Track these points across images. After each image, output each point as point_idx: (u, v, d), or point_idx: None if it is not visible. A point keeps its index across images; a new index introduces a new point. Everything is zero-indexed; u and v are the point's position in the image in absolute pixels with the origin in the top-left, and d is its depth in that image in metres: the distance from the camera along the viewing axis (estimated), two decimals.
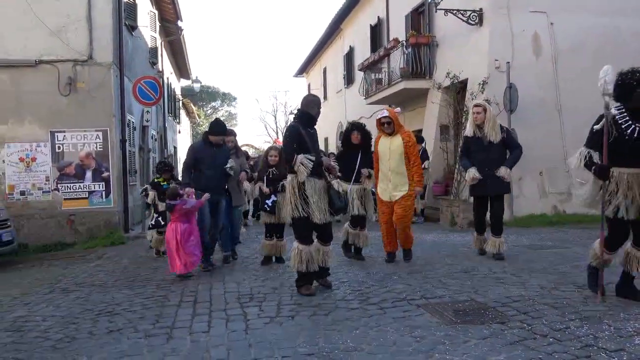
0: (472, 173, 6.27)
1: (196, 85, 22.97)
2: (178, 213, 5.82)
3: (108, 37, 10.23)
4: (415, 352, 3.22)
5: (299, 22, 77.16)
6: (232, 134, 7.04)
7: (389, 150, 6.15)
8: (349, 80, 21.07)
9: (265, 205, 6.40)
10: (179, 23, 17.77)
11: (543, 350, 3.20)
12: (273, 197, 6.35)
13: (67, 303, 5.06)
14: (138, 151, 12.55)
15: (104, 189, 10.21)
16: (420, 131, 14.15)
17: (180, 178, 7.00)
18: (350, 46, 20.95)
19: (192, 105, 28.08)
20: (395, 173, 6.12)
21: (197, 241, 5.91)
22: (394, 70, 14.33)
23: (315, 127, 5.25)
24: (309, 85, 29.95)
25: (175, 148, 23.39)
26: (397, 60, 13.98)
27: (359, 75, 18.30)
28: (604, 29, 11.28)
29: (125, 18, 11.02)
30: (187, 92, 27.45)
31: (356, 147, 6.45)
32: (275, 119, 51.74)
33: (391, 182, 6.14)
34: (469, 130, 6.44)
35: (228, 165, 6.30)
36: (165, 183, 7.52)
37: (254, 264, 6.67)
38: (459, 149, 6.46)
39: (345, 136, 6.57)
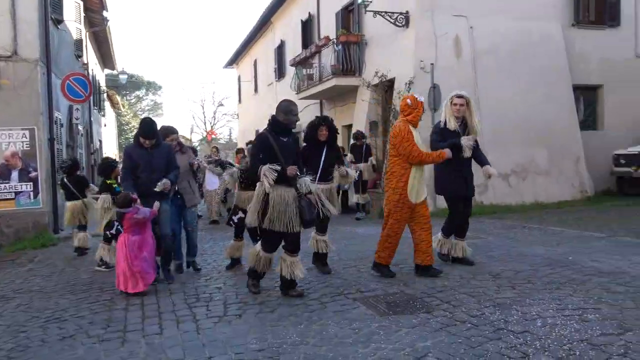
0: (467, 140, 5.79)
1: (123, 77, 22.30)
2: (129, 222, 5.33)
3: (34, 32, 9.88)
4: (355, 343, 3.63)
5: (229, 12, 75.99)
6: (173, 131, 6.47)
7: (421, 143, 5.56)
8: (280, 73, 21.28)
9: (231, 222, 6.27)
10: (104, 13, 17.25)
11: (462, 335, 3.71)
12: (240, 214, 6.10)
13: (9, 311, 5.05)
14: (66, 149, 12.20)
15: (32, 189, 9.92)
16: (350, 127, 14.72)
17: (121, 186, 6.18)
18: (281, 40, 21.15)
19: (117, 96, 27.19)
20: (420, 171, 5.55)
21: (151, 256, 5.46)
22: (325, 66, 14.76)
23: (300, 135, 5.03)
24: (239, 77, 29.86)
25: (100, 142, 22.66)
26: (328, 57, 14.41)
27: (289, 69, 18.58)
28: (518, 32, 12.26)
29: (51, 12, 10.66)
30: (112, 83, 26.55)
31: (322, 143, 5.89)
32: (203, 109, 50.98)
33: (419, 181, 5.53)
34: (450, 123, 5.82)
35: (158, 187, 5.52)
36: (117, 185, 6.87)
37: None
38: (431, 141, 5.95)
39: (310, 131, 5.89)
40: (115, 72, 25.48)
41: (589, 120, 13.72)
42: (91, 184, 8.22)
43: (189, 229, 6.40)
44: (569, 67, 12.72)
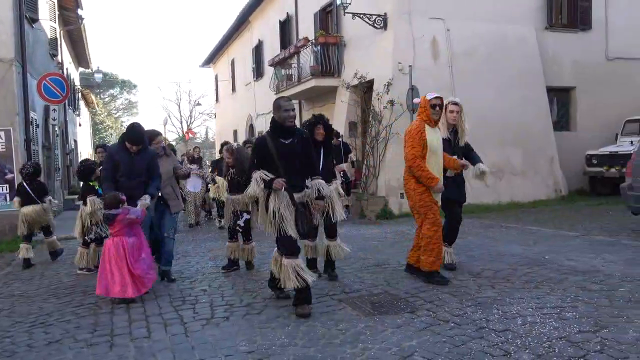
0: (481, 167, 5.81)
1: (98, 76, 21.96)
2: (120, 225, 5.12)
3: (8, 32, 9.72)
4: (342, 344, 3.71)
5: (206, 11, 75.34)
6: (158, 134, 6.28)
7: (438, 142, 5.31)
8: (258, 73, 21.27)
9: (238, 226, 6.22)
10: (79, 11, 16.99)
11: (446, 334, 3.82)
12: (246, 216, 6.16)
13: None
14: (42, 150, 12.00)
15: (7, 191, 9.76)
16: None
17: (101, 188, 6.17)
18: (259, 40, 21.13)
19: (92, 95, 26.77)
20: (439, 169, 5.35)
21: (150, 257, 5.38)
22: (304, 67, 14.82)
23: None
24: (216, 76, 29.71)
25: (75, 142, 22.31)
26: (307, 58, 14.48)
27: (268, 69, 18.60)
28: (494, 35, 12.52)
29: (26, 10, 10.48)
30: (87, 82, 26.13)
31: (318, 143, 5.54)
32: (179, 107, 50.51)
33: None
34: (444, 131, 5.71)
35: (140, 206, 5.34)
36: (99, 187, 6.63)
37: (177, 265, 6.79)
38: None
39: (308, 129, 5.51)
40: (89, 70, 25.10)
41: (563, 121, 14.09)
42: (49, 197, 7.72)
43: (166, 235, 6.03)
44: (542, 70, 13.04)
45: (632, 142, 11.56)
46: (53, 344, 4.07)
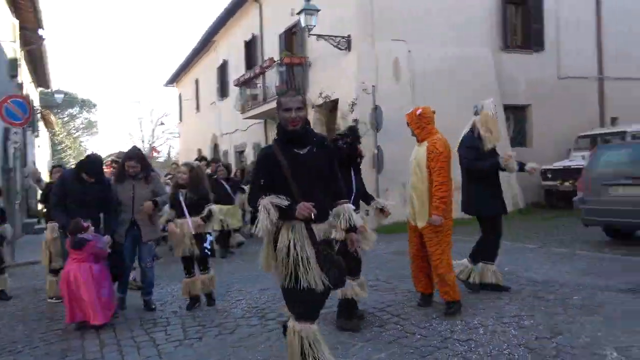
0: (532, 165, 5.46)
1: (58, 96, 21.62)
2: (88, 252, 5.03)
3: None
4: None
5: (170, 31, 74.98)
6: (132, 156, 5.66)
7: (413, 161, 4.94)
8: (223, 93, 21.35)
9: (205, 251, 5.69)
10: (40, 31, 16.78)
11: (413, 345, 4.00)
12: (209, 237, 5.76)
13: None
14: (1, 173, 11.74)
15: None
16: None
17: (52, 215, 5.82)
18: (224, 59, 21.25)
19: (52, 116, 26.25)
20: (413, 191, 4.87)
21: (111, 287, 5.30)
22: (270, 87, 15.01)
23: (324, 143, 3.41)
24: (180, 95, 29.61)
25: (34, 164, 21.77)
26: (273, 78, 14.68)
27: (233, 89, 18.72)
28: (453, 56, 13.01)
29: None
30: (46, 102, 25.63)
31: (345, 162, 4.51)
32: (141, 126, 49.83)
33: (411, 204, 4.93)
34: (491, 138, 5.45)
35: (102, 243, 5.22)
36: None
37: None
38: (469, 158, 5.40)
39: (352, 145, 4.67)
40: (49, 90, 24.64)
41: (519, 137, 14.67)
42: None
43: (143, 265, 5.72)
44: (499, 88, 13.60)
45: (583, 156, 12.14)
46: None
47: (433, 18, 12.83)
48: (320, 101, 13.08)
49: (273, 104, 14.59)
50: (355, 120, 11.82)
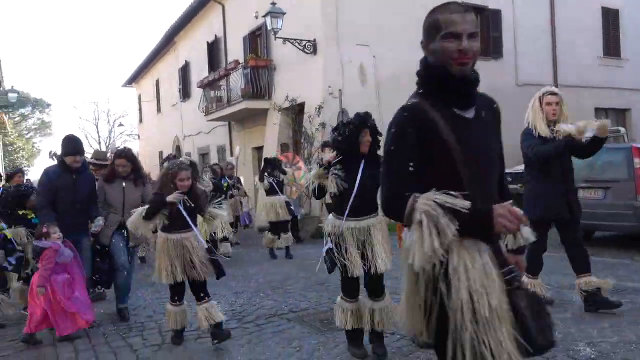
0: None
1: (12, 95, 20.73)
2: (47, 260, 4.61)
3: None
4: None
5: (128, 30, 73.26)
6: (122, 155, 5.38)
7: None
8: (185, 94, 21.05)
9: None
10: None
11: (394, 345, 4.09)
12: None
13: None
14: None
15: None
16: (260, 149, 14.97)
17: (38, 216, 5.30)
18: (186, 60, 20.96)
19: (4, 115, 25.24)
20: None
21: (85, 295, 4.87)
22: (234, 89, 14.92)
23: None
24: (139, 96, 28.99)
25: None
26: (237, 80, 14.59)
27: (195, 90, 18.50)
28: (415, 61, 13.02)
29: None
30: None
31: (359, 157, 3.87)
32: (97, 127, 48.50)
33: None
34: (541, 129, 4.66)
35: (95, 226, 5.05)
36: (34, 216, 5.72)
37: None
38: (527, 146, 4.72)
39: (350, 136, 3.82)
40: (1, 89, 23.66)
41: None
42: None
43: (120, 266, 5.34)
44: None
45: None
46: None
47: (397, 24, 13.05)
48: (286, 104, 13.10)
49: (238, 106, 14.56)
50: (322, 124, 11.92)
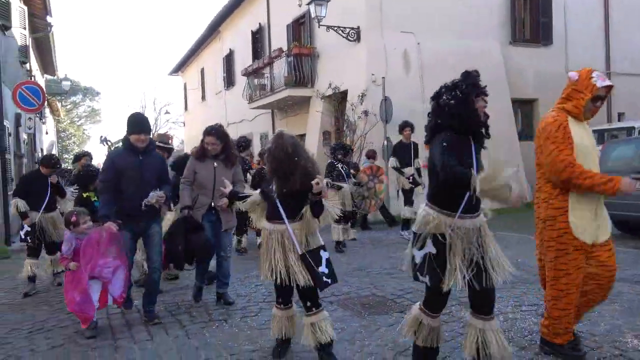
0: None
1: (65, 84, 21.65)
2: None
3: None
4: (341, 341, 3.95)
5: (174, 20, 74.77)
6: (211, 132, 5.04)
7: (590, 142, 3.48)
8: (229, 82, 21.37)
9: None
10: (48, 18, 16.80)
11: None
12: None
13: None
14: (14, 159, 11.83)
15: None
16: (303, 136, 15.07)
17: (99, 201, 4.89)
18: (230, 49, 21.26)
19: (57, 103, 26.30)
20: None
21: (125, 280, 4.58)
22: (278, 77, 15.06)
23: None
24: (185, 85, 29.61)
25: (42, 150, 21.87)
26: (281, 68, 14.73)
27: (239, 78, 18.75)
28: (460, 49, 13.05)
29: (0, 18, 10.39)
30: (52, 89, 25.65)
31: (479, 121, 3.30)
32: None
33: (599, 207, 3.44)
34: None
35: (150, 198, 4.54)
36: (96, 199, 5.61)
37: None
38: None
39: (467, 96, 3.16)
40: (55, 77, 24.66)
41: (527, 131, 14.75)
42: None
43: (222, 254, 5.20)
44: (507, 82, 13.66)
45: None
46: (56, 348, 4.16)
47: (442, 11, 12.87)
48: (329, 92, 13.14)
49: (281, 94, 14.70)
50: (365, 112, 11.91)
